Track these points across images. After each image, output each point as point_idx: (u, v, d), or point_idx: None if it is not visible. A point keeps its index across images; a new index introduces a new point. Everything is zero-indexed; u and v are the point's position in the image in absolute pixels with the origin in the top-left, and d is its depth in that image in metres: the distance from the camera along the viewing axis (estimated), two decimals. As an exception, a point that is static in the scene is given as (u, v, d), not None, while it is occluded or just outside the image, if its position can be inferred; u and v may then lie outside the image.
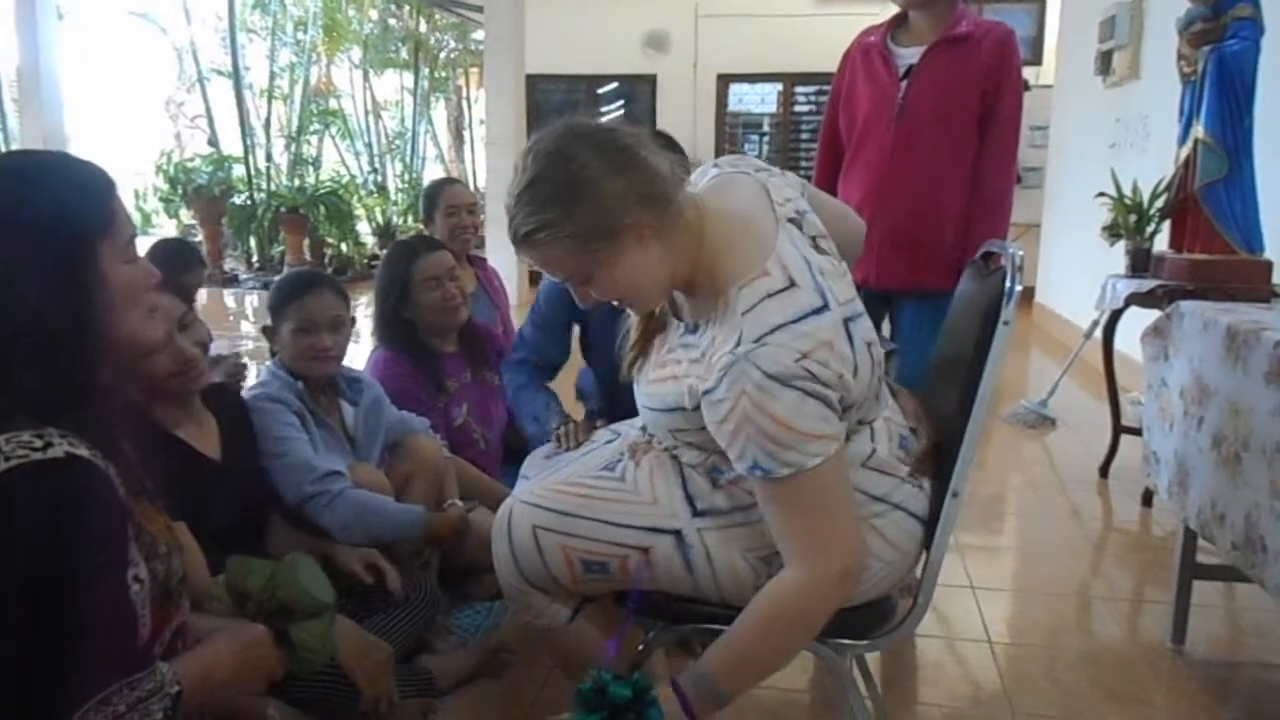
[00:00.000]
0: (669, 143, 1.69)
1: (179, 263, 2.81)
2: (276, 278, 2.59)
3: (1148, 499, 3.36)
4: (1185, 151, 3.18)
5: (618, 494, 1.47)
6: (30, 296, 1.03)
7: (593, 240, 1.28)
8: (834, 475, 1.28)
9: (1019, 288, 1.42)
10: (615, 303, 1.39)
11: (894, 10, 2.60)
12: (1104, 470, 3.68)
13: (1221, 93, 3.02)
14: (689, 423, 1.37)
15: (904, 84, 2.50)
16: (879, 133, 2.54)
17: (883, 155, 2.53)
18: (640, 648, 1.55)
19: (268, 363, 2.22)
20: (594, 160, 1.27)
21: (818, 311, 1.27)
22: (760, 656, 1.35)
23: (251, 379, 2.83)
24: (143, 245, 2.62)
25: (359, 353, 3.49)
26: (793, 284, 1.28)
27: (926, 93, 2.48)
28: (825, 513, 1.29)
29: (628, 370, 1.52)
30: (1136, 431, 3.03)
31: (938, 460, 1.49)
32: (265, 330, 2.22)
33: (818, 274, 1.31)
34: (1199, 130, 3.09)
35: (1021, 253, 1.46)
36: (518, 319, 3.79)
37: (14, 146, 10.13)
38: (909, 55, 2.53)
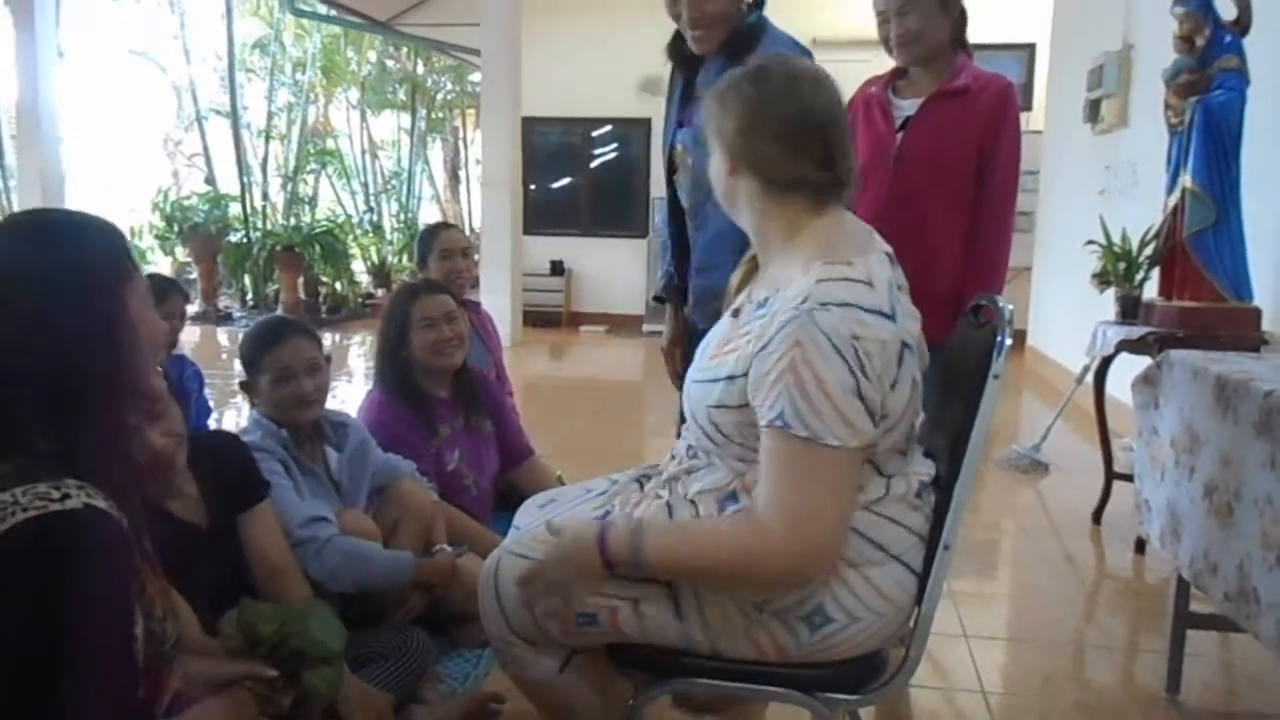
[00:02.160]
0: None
1: (158, 293, 2.85)
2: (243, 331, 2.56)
3: (1141, 546, 3.35)
4: (1173, 200, 3.21)
5: None
6: (69, 346, 1.05)
7: (727, 134, 1.46)
8: (842, 470, 1.31)
9: (1009, 341, 1.43)
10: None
11: (892, 60, 2.62)
12: (1097, 516, 3.67)
13: (1208, 143, 3.06)
14: (732, 397, 1.38)
15: (900, 135, 2.52)
16: (875, 183, 2.55)
17: (878, 206, 2.53)
18: (630, 702, 1.53)
19: (253, 411, 2.20)
20: (775, 104, 1.43)
21: (882, 315, 1.33)
22: (692, 558, 1.38)
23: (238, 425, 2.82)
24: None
25: (353, 393, 3.48)
26: (871, 284, 1.34)
27: (922, 144, 2.49)
28: (818, 494, 1.31)
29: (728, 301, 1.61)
30: (1129, 477, 3.03)
31: None
32: (243, 385, 2.21)
33: (895, 296, 1.37)
34: (1187, 179, 3.12)
35: (1011, 306, 1.47)
36: (510, 360, 3.80)
37: (12, 183, 10.16)
38: (907, 107, 2.55)
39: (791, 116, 1.43)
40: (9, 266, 1.07)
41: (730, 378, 1.38)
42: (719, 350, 1.46)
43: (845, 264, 1.35)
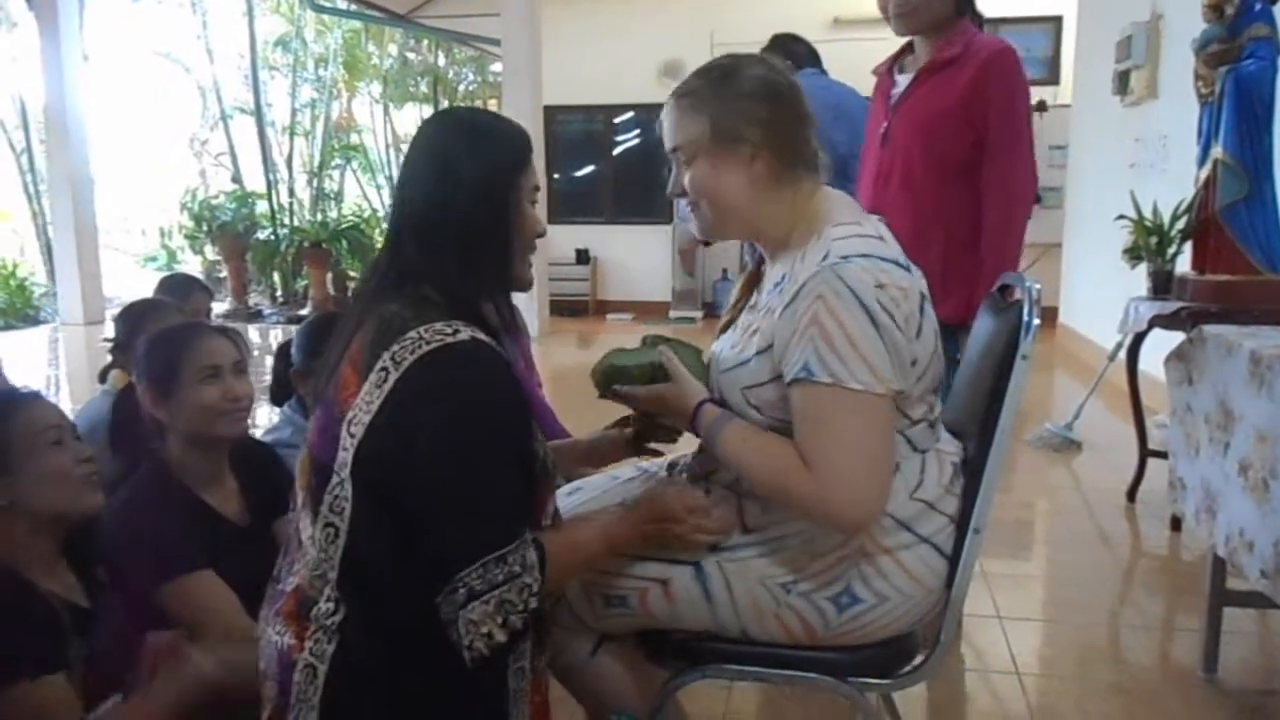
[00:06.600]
0: None
1: (182, 291, 2.99)
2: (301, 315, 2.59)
3: (1176, 523, 3.31)
4: (1205, 172, 3.15)
5: None
6: (470, 208, 1.30)
7: (715, 131, 1.42)
8: (870, 415, 1.30)
9: (1036, 322, 1.41)
10: (690, 205, 1.49)
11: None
12: (1131, 494, 3.63)
13: (1240, 113, 3.00)
14: (765, 372, 1.38)
15: (892, 114, 2.46)
16: (869, 165, 2.52)
17: (871, 187, 2.50)
18: (665, 687, 1.53)
19: (285, 407, 2.21)
20: (762, 86, 1.43)
21: (900, 266, 1.35)
22: (752, 469, 1.39)
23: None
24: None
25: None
26: (883, 239, 1.38)
27: (905, 122, 2.42)
28: (846, 442, 1.30)
29: (719, 333, 1.59)
30: (1163, 455, 2.99)
31: None
32: (295, 374, 2.16)
33: (904, 257, 1.39)
34: (1218, 151, 3.07)
35: (1039, 286, 1.45)
36: (538, 351, 3.81)
37: (42, 186, 10.30)
38: (903, 82, 2.47)
39: (794, 92, 1.46)
40: (445, 144, 1.33)
41: (760, 352, 1.39)
42: (742, 337, 1.46)
43: (855, 224, 1.38)
